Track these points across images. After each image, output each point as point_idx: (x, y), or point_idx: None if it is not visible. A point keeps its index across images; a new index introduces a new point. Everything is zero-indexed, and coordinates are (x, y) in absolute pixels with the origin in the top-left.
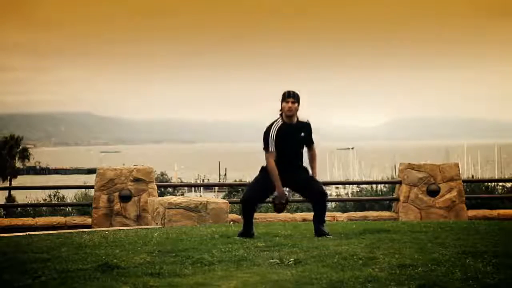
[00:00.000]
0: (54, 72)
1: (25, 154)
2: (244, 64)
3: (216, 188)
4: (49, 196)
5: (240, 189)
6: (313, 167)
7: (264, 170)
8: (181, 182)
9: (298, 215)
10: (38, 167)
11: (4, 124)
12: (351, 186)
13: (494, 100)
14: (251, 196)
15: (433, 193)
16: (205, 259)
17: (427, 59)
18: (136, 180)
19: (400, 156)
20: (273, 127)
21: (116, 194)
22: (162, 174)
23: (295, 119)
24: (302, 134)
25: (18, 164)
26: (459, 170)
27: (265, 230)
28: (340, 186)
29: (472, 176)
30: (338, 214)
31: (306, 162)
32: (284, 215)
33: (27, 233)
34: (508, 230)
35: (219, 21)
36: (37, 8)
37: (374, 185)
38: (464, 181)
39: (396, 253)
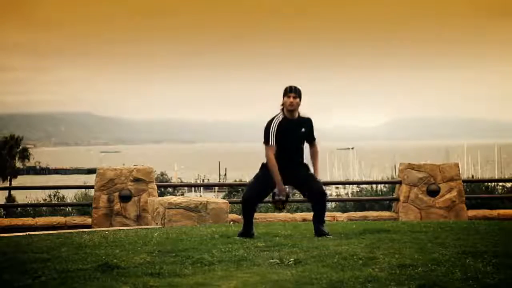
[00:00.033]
0: (54, 72)
1: (25, 154)
2: (244, 64)
3: (216, 188)
4: (49, 196)
5: (240, 189)
6: (314, 164)
7: (264, 167)
8: (181, 182)
9: (298, 215)
10: (38, 167)
11: (4, 124)
12: (351, 186)
13: (494, 100)
14: (251, 196)
15: (433, 193)
16: (205, 259)
17: (427, 59)
18: (136, 180)
19: (400, 156)
20: (274, 121)
21: (116, 194)
22: (162, 174)
23: (296, 115)
24: (303, 129)
25: (18, 164)
26: (459, 170)
27: (265, 230)
28: (340, 186)
29: (472, 176)
30: (338, 214)
31: (307, 160)
32: (284, 215)
33: (27, 233)
34: (508, 230)
35: (219, 21)
36: (37, 8)
37: (374, 185)
38: (464, 181)
39: (396, 253)
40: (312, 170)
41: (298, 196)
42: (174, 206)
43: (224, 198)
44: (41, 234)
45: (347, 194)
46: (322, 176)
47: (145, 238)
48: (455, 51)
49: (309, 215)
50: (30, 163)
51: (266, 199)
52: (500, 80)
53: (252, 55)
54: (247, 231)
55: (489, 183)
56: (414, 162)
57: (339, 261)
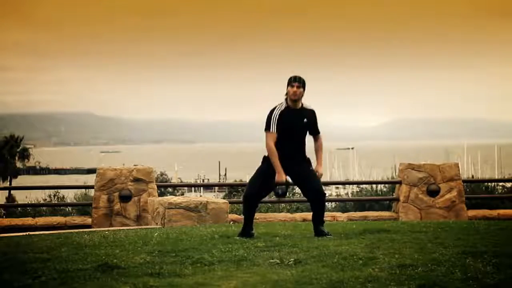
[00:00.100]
0: (54, 72)
1: (25, 154)
2: (244, 64)
3: (216, 188)
4: (49, 196)
5: (240, 189)
6: (318, 157)
7: (266, 160)
8: (181, 182)
9: (298, 215)
10: (38, 167)
11: (4, 124)
12: (351, 186)
13: (494, 100)
14: (251, 193)
15: (433, 193)
16: (205, 259)
17: (427, 59)
18: (136, 180)
19: (400, 156)
20: (276, 109)
21: (116, 194)
22: (162, 174)
23: (300, 104)
24: (305, 120)
25: (18, 164)
26: (459, 170)
27: (265, 230)
28: (340, 186)
29: (472, 176)
30: (338, 214)
31: (308, 157)
32: (284, 215)
33: (27, 233)
34: (508, 230)
35: (219, 21)
36: (37, 8)
37: (374, 185)
38: (464, 181)
39: (396, 253)
40: (314, 166)
41: (298, 196)
42: (174, 206)
43: (224, 198)
44: (41, 234)
45: (347, 194)
46: (322, 176)
47: (145, 238)
48: (455, 51)
49: (309, 215)
50: (30, 163)
51: (266, 199)
52: (500, 80)
53: (252, 55)
54: (247, 231)
55: (489, 183)
56: (414, 162)
57: (339, 261)
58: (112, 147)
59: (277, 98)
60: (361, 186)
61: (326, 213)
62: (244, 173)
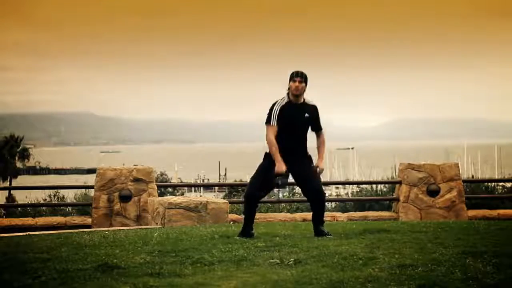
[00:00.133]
0: (54, 72)
1: (25, 154)
2: (244, 64)
3: (216, 188)
4: (49, 196)
5: (240, 189)
6: (319, 152)
7: (267, 156)
8: (181, 182)
9: (298, 215)
10: (38, 167)
11: (4, 124)
12: (351, 186)
13: (494, 100)
14: (251, 193)
15: (433, 193)
16: (205, 259)
17: (427, 59)
18: (136, 180)
19: (400, 156)
20: (277, 103)
21: (116, 194)
22: (162, 174)
23: (301, 100)
24: (306, 114)
25: (18, 164)
26: (459, 170)
27: (265, 230)
28: (340, 186)
29: (472, 176)
30: (338, 214)
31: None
32: (284, 215)
33: (27, 233)
34: (508, 230)
35: (219, 21)
36: (37, 8)
37: (374, 185)
38: (464, 181)
39: (396, 253)
40: (315, 163)
41: (298, 196)
42: (174, 206)
43: (224, 198)
44: (41, 234)
45: (347, 194)
46: (322, 176)
47: (145, 238)
48: (455, 51)
49: (309, 215)
50: (30, 163)
51: (266, 199)
52: (500, 80)
53: (252, 55)
54: (247, 231)
55: (489, 183)
56: (414, 162)
57: (339, 261)
58: (112, 147)
59: (277, 98)
60: (361, 186)
61: (326, 213)
62: (244, 173)
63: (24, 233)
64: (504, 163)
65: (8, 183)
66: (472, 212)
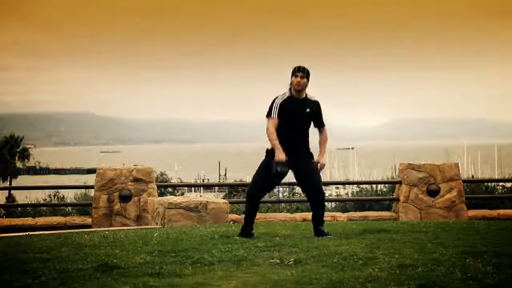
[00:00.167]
0: (54, 72)
1: (25, 154)
2: (244, 64)
3: (216, 188)
4: (49, 196)
5: (240, 189)
6: (321, 148)
7: (269, 153)
8: (181, 182)
9: (298, 215)
10: (38, 167)
11: (4, 124)
12: (351, 186)
13: (494, 100)
14: (252, 193)
15: (433, 193)
16: (205, 259)
17: (427, 59)
18: (136, 180)
19: (400, 156)
20: (279, 97)
21: (116, 194)
22: (162, 174)
23: (303, 95)
24: (308, 109)
25: (18, 164)
26: (459, 170)
27: (265, 230)
28: (340, 186)
29: (472, 176)
30: (338, 214)
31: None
32: (284, 215)
33: (27, 233)
34: (508, 230)
35: (219, 21)
36: (37, 8)
37: (374, 185)
38: (464, 181)
39: (396, 253)
40: (317, 157)
41: (298, 196)
42: (174, 206)
43: (224, 198)
44: (41, 234)
45: (347, 194)
46: (322, 177)
47: (145, 238)
48: (455, 51)
49: (309, 215)
50: (30, 163)
51: (266, 199)
52: (500, 80)
53: (252, 55)
54: (247, 231)
55: (489, 183)
56: (414, 162)
57: (339, 261)
58: (112, 147)
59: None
60: (361, 186)
61: (326, 213)
62: (244, 173)
63: (24, 233)
64: (504, 163)
65: (8, 183)
66: (472, 212)
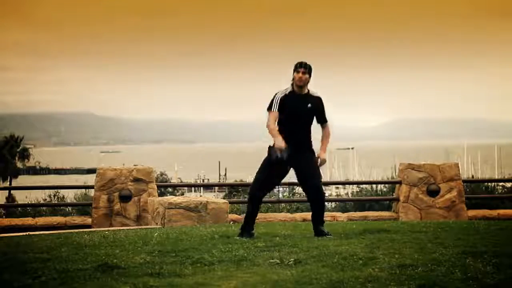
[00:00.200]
0: (54, 72)
1: (25, 154)
2: (244, 64)
3: (216, 188)
4: (49, 196)
5: (240, 189)
6: (323, 143)
7: (271, 149)
8: (181, 182)
9: (298, 215)
10: (38, 167)
11: (4, 124)
12: (351, 186)
13: (494, 100)
14: (253, 193)
15: (433, 193)
16: (205, 259)
17: (427, 59)
18: (136, 180)
19: (400, 156)
20: (280, 92)
21: (116, 194)
22: (162, 174)
23: (305, 90)
24: (309, 105)
25: (18, 164)
26: (459, 170)
27: (265, 230)
28: (340, 186)
29: (472, 176)
30: (338, 214)
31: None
32: (284, 215)
33: (27, 233)
34: (508, 230)
35: (219, 21)
36: (37, 8)
37: (374, 185)
38: (464, 181)
39: (396, 253)
40: (318, 152)
41: (298, 196)
42: (174, 206)
43: (224, 198)
44: (41, 234)
45: (347, 194)
46: (322, 176)
47: (145, 238)
48: (455, 51)
49: (309, 215)
50: (30, 163)
51: (266, 199)
52: (500, 80)
53: (252, 55)
54: (247, 230)
55: (489, 183)
56: (414, 162)
57: (339, 261)
58: (112, 147)
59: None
60: (361, 186)
61: (326, 213)
62: (244, 173)
63: (24, 233)
64: (504, 163)
65: (8, 183)
66: (472, 212)
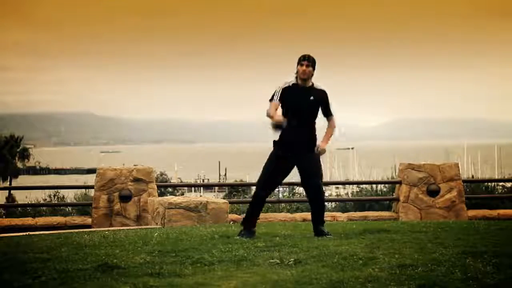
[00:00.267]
0: (54, 72)
1: (25, 154)
2: (244, 64)
3: (216, 188)
4: (49, 196)
5: (240, 189)
6: (326, 133)
7: (275, 144)
8: (181, 182)
9: (298, 215)
10: (38, 167)
11: (4, 124)
12: (351, 186)
13: (494, 100)
14: (256, 192)
15: (433, 193)
16: (205, 259)
17: (427, 59)
18: (136, 180)
19: (400, 156)
20: (284, 83)
21: (116, 194)
22: (162, 174)
23: (309, 84)
24: (312, 98)
25: (19, 164)
26: (459, 170)
27: (265, 230)
28: (340, 186)
29: (472, 176)
30: (338, 214)
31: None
32: (284, 215)
33: (27, 233)
34: (508, 230)
35: (219, 21)
36: (37, 8)
37: (374, 185)
38: (464, 181)
39: (396, 253)
40: (320, 143)
41: (298, 196)
42: (174, 206)
43: (224, 198)
44: (41, 234)
45: (347, 194)
46: (323, 175)
47: (145, 238)
48: (455, 51)
49: (309, 215)
50: (30, 163)
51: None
52: (500, 80)
53: (252, 55)
54: (248, 229)
55: (489, 183)
56: (414, 162)
57: (339, 261)
58: (112, 147)
59: None
60: (361, 186)
61: (326, 213)
62: (244, 173)
63: (24, 233)
64: (504, 163)
65: (8, 183)
66: (472, 212)
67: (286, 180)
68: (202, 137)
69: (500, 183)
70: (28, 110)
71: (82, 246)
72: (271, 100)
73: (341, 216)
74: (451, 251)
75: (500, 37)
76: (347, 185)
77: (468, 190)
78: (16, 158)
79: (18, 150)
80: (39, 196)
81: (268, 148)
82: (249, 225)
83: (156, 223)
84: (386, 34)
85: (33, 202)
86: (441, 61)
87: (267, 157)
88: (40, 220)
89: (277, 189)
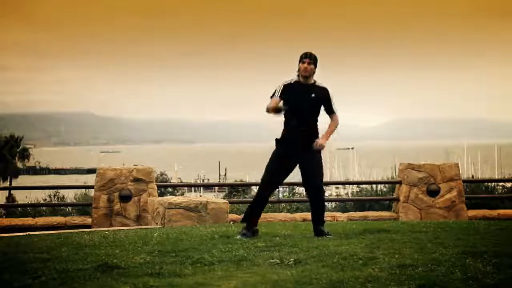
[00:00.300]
0: (54, 72)
1: (25, 154)
2: (244, 64)
3: (216, 188)
4: (49, 196)
5: (240, 189)
6: (327, 130)
7: (278, 143)
8: (181, 182)
9: (298, 215)
10: (38, 167)
11: (4, 124)
12: (351, 186)
13: (494, 100)
14: (258, 192)
15: (433, 193)
16: (205, 259)
17: (427, 59)
18: (136, 180)
19: (400, 156)
20: (285, 80)
21: (116, 194)
22: (162, 174)
23: (311, 81)
24: (313, 95)
25: (19, 164)
26: (459, 170)
27: (265, 230)
28: (340, 186)
29: (472, 176)
30: (338, 214)
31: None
32: (284, 215)
33: (27, 233)
34: (508, 230)
35: (219, 21)
36: (37, 8)
37: (374, 185)
38: (464, 181)
39: (396, 253)
40: (321, 139)
41: (298, 196)
42: (174, 206)
43: (224, 198)
44: (41, 234)
45: (347, 194)
46: (324, 175)
47: (145, 238)
48: (455, 51)
49: (309, 215)
50: (30, 163)
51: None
52: (500, 80)
53: (252, 55)
54: (249, 228)
55: (489, 183)
56: (414, 162)
57: (339, 261)
58: (112, 147)
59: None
60: (361, 186)
61: (326, 213)
62: (244, 173)
63: (24, 233)
64: (504, 163)
65: (8, 183)
66: (472, 212)
67: (286, 180)
68: (202, 137)
69: (500, 183)
70: (28, 110)
71: (82, 246)
72: (272, 96)
73: (341, 216)
74: (451, 251)
75: (500, 37)
76: (347, 185)
77: (468, 190)
78: (16, 158)
79: (18, 150)
80: (39, 196)
81: (268, 148)
82: (250, 224)
83: (156, 223)
84: (386, 34)
85: (33, 202)
86: (441, 61)
87: (270, 156)
88: (40, 220)
89: (277, 189)
